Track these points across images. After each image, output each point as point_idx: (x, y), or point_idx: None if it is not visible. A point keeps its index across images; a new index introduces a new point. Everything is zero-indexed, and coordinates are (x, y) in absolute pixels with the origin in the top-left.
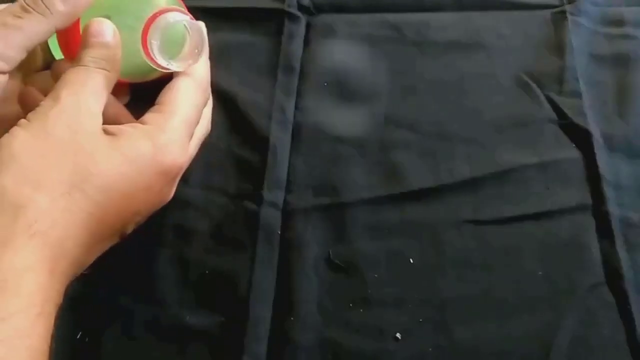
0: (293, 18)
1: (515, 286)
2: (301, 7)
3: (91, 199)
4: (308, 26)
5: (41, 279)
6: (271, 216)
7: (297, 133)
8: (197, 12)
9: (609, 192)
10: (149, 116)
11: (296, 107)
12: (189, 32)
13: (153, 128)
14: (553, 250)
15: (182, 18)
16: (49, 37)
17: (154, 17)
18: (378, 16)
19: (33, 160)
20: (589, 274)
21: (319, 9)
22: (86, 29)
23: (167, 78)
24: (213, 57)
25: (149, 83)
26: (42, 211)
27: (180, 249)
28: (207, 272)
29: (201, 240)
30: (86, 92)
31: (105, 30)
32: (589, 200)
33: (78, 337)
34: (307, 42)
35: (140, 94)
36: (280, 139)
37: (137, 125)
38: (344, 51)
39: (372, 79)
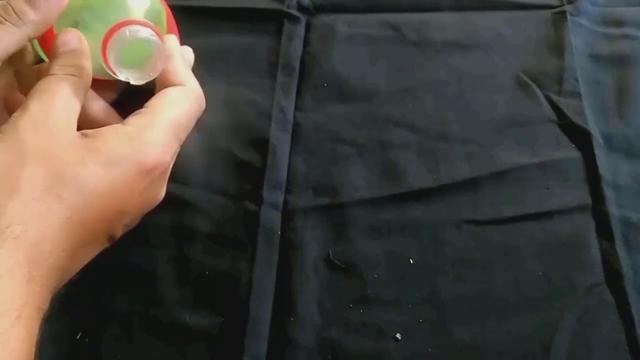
0: (292, 18)
1: (515, 286)
2: (301, 8)
3: (67, 202)
4: (308, 26)
5: (18, 283)
6: (271, 216)
7: (297, 133)
8: (197, 12)
9: (608, 192)
10: (131, 118)
11: (296, 108)
12: (149, 46)
13: (134, 128)
14: (553, 250)
15: (140, 34)
16: (23, 45)
17: (112, 30)
18: (378, 16)
19: (4, 168)
20: (589, 273)
21: (319, 9)
22: (54, 41)
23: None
24: (213, 58)
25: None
26: (15, 216)
27: (180, 249)
28: (207, 272)
29: (201, 240)
30: (55, 100)
31: (71, 39)
32: (588, 200)
33: (78, 337)
34: (306, 42)
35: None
36: (280, 139)
37: (117, 126)
38: (343, 51)
39: (372, 79)
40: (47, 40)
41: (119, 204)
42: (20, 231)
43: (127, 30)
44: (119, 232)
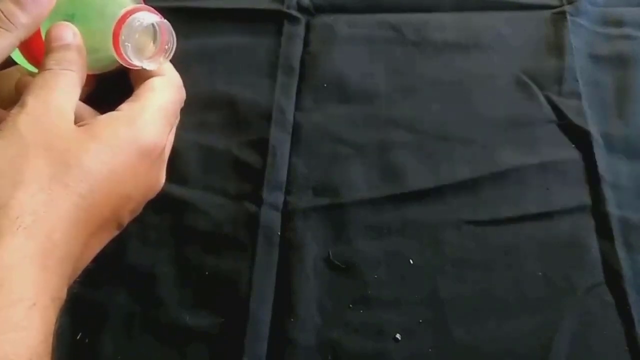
0: (292, 19)
1: (515, 286)
2: (301, 8)
3: (73, 189)
4: (308, 27)
5: (32, 273)
6: (271, 217)
7: (296, 134)
8: (197, 13)
9: (608, 192)
10: (123, 105)
11: (296, 108)
12: (158, 31)
13: (128, 113)
14: (553, 251)
15: (152, 18)
16: (14, 49)
17: (124, 17)
18: (378, 16)
19: (8, 163)
20: (589, 274)
21: (319, 10)
22: (47, 35)
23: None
24: (213, 58)
25: (113, 72)
26: (23, 207)
27: (180, 249)
28: (207, 272)
29: (201, 240)
30: (52, 94)
31: (65, 33)
32: (588, 200)
33: (78, 337)
34: (306, 43)
35: (106, 84)
36: (280, 139)
37: (112, 113)
38: (343, 52)
39: (372, 79)
40: (32, 40)
41: (124, 188)
42: (30, 221)
43: (140, 17)
44: (126, 219)
